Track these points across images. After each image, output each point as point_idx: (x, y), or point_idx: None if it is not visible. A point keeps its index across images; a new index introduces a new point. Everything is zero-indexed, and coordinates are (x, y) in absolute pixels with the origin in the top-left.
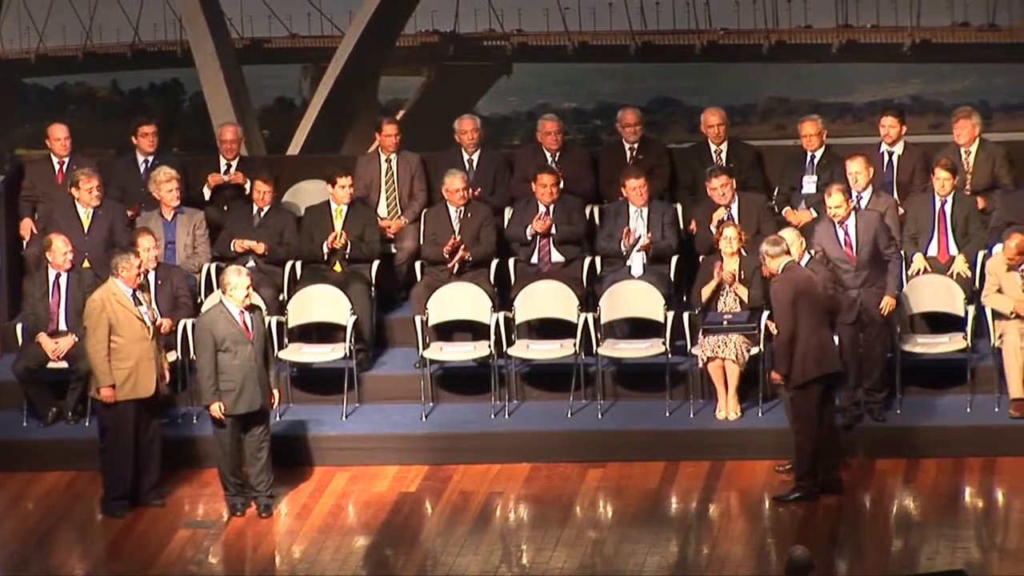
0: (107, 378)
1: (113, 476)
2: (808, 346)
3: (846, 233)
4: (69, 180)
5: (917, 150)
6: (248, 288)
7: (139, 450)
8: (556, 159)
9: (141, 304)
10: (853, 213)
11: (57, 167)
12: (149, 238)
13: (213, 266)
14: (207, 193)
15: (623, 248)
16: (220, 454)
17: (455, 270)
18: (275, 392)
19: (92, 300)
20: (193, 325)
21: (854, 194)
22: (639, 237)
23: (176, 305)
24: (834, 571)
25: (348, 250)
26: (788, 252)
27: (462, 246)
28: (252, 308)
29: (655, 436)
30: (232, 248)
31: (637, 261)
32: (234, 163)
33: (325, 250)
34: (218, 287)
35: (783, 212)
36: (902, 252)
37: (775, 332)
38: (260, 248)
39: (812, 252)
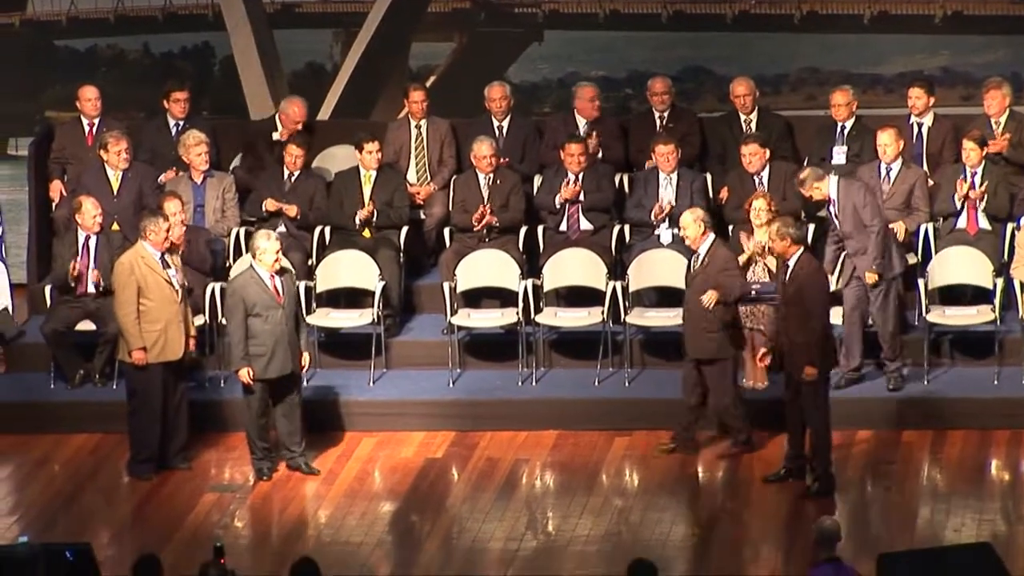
0: (138, 340)
1: (140, 439)
2: (828, 337)
3: (835, 201)
4: (98, 143)
5: (947, 122)
6: (278, 252)
7: (166, 413)
8: (588, 127)
9: (170, 267)
10: (837, 180)
11: (87, 129)
12: (176, 202)
13: (242, 230)
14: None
15: (654, 221)
16: (248, 418)
17: (483, 233)
18: (306, 355)
19: (120, 263)
20: (221, 289)
21: (883, 165)
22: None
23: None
24: (860, 541)
25: (376, 218)
26: (803, 241)
27: (489, 211)
28: (282, 272)
29: (682, 405)
30: (264, 208)
31: (666, 230)
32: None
33: (357, 222)
34: (247, 251)
35: None
36: (929, 225)
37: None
38: (292, 211)
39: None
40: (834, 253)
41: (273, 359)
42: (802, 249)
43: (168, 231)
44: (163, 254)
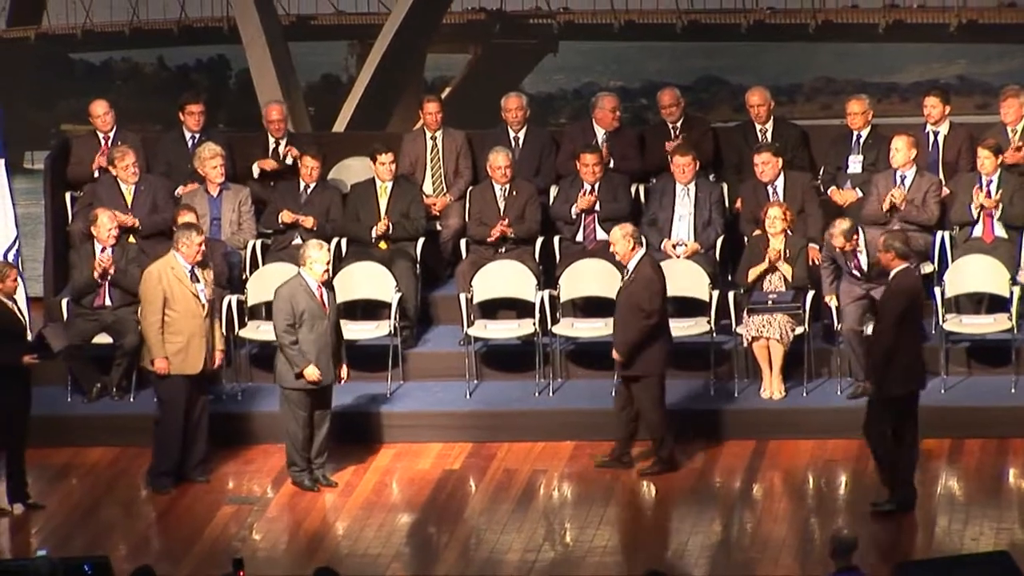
0: (160, 350)
1: (163, 450)
2: (904, 361)
3: (865, 250)
4: (108, 159)
5: (963, 130)
6: (328, 263)
7: (187, 426)
8: (606, 138)
9: (199, 281)
10: (863, 231)
11: (103, 142)
12: (191, 215)
13: (259, 242)
14: (256, 171)
15: (663, 251)
16: (293, 428)
17: (499, 244)
18: (345, 367)
19: (148, 272)
20: (239, 302)
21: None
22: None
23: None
24: (877, 551)
25: (392, 230)
26: (909, 257)
27: (506, 223)
28: (328, 284)
29: (699, 415)
30: (280, 221)
31: (680, 246)
32: (282, 141)
33: (373, 235)
34: (263, 263)
35: (828, 192)
36: (945, 234)
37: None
38: (309, 223)
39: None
40: (831, 273)
41: (316, 368)
42: (904, 265)
43: (201, 244)
44: (193, 268)
